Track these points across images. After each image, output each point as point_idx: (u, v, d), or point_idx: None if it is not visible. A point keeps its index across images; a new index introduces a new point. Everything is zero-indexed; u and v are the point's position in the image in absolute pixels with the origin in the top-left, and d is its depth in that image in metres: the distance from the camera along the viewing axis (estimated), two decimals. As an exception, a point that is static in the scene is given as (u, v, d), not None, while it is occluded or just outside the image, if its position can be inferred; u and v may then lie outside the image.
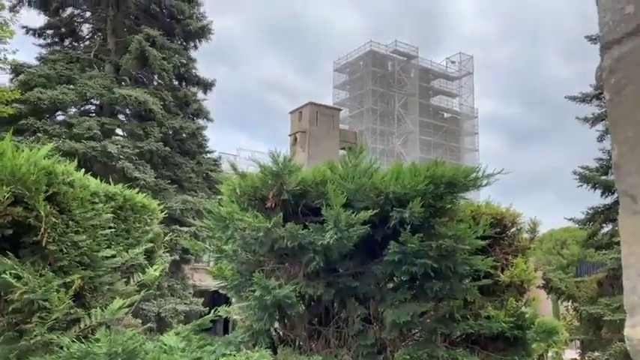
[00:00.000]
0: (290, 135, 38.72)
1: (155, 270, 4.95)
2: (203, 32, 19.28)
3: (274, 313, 3.42)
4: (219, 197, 3.93)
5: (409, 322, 3.86)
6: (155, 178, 16.30)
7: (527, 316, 4.71)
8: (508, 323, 4.21)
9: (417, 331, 4.33)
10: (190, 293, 18.02)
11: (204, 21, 19.33)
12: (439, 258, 3.75)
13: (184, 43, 19.42)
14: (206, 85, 19.58)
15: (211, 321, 4.87)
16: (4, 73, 12.43)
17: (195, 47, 19.72)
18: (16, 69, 15.88)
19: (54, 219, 3.13)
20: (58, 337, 3.23)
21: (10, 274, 2.87)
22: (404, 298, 3.93)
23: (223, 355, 3.93)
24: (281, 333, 3.90)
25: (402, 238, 3.45)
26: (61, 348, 3.21)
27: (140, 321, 5.10)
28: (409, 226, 3.37)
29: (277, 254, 3.29)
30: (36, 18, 18.62)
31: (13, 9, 16.29)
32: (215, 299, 4.18)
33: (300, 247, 3.17)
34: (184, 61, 18.61)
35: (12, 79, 15.94)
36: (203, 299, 17.67)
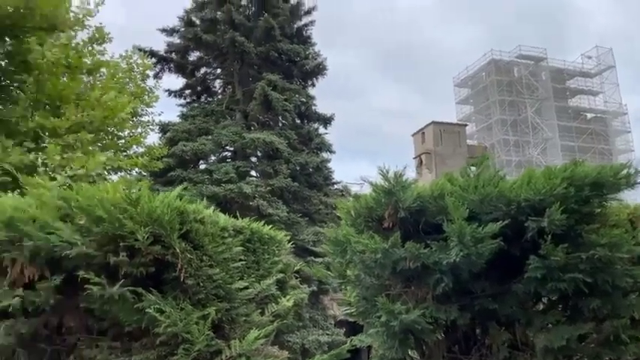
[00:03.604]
0: (414, 157, 38.07)
1: (288, 300, 5.05)
2: (319, 70, 20.11)
3: (406, 340, 3.23)
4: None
5: (565, 348, 3.38)
6: (287, 212, 17.07)
7: None
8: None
9: (576, 358, 3.77)
10: (331, 324, 18.24)
11: (318, 59, 20.20)
12: (593, 271, 3.25)
13: (302, 83, 20.43)
14: (326, 120, 20.25)
15: (354, 351, 4.79)
16: (154, 132, 14.20)
17: (313, 85, 20.64)
18: (163, 128, 18.03)
19: (189, 255, 3.35)
20: (201, 368, 3.37)
21: (154, 308, 3.10)
22: (555, 320, 3.46)
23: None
24: (418, 361, 3.67)
25: (543, 251, 3.06)
26: (205, 378, 3.35)
27: (286, 352, 5.22)
28: (549, 237, 2.98)
29: (402, 277, 3.13)
30: (175, 81, 21.06)
31: (156, 76, 18.70)
32: (356, 329, 4.12)
33: (425, 267, 2.97)
34: (304, 100, 19.53)
35: (160, 137, 18.12)
36: (344, 330, 17.72)
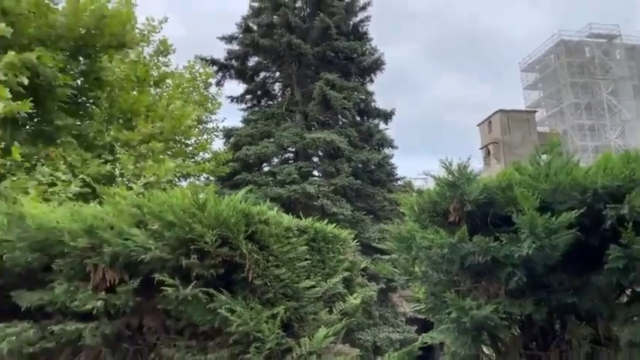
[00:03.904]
0: (481, 148, 36.78)
1: (355, 298, 5.05)
2: (376, 65, 19.94)
3: (478, 336, 3.12)
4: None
5: (655, 343, 3.13)
6: (351, 211, 17.06)
7: None
8: None
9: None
10: (402, 321, 18.04)
11: (375, 55, 20.02)
12: (683, 260, 2.98)
13: (361, 80, 20.33)
14: (386, 115, 20.04)
15: (427, 348, 4.70)
16: (219, 138, 14.70)
17: (372, 81, 20.48)
18: (227, 133, 18.60)
19: (256, 255, 3.43)
20: (273, 365, 3.43)
21: (226, 308, 3.20)
22: (641, 313, 3.21)
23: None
24: (493, 359, 3.54)
25: (624, 240, 2.85)
26: (278, 376, 3.41)
27: (357, 350, 5.22)
28: (631, 224, 2.77)
29: (471, 272, 3.02)
30: (236, 87, 21.69)
31: (218, 84, 19.33)
32: (428, 326, 4.05)
33: (495, 261, 2.85)
34: (363, 97, 19.43)
35: (225, 143, 18.71)
36: (416, 327, 17.46)
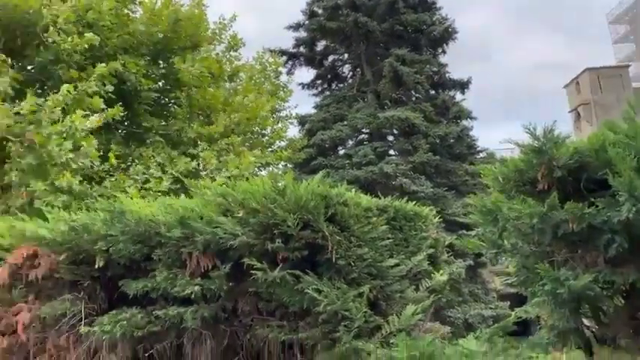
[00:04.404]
0: (570, 111, 34.29)
1: (442, 275, 4.97)
2: (448, 35, 19.19)
3: (577, 308, 2.95)
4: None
5: None
6: (432, 187, 16.70)
7: None
8: None
9: None
10: (494, 297, 17.49)
11: (445, 24, 19.23)
12: None
13: (432, 52, 19.69)
14: (462, 86, 19.29)
15: (524, 325, 4.53)
16: (293, 126, 14.98)
17: (444, 52, 19.77)
18: (301, 120, 18.85)
19: (337, 237, 3.48)
20: (363, 343, 3.49)
21: (313, 289, 3.30)
22: None
23: (529, 357, 3.59)
24: (595, 331, 3.33)
25: None
26: (369, 354, 3.46)
27: (447, 327, 5.16)
28: None
29: (565, 241, 2.85)
30: (306, 74, 21.80)
31: (288, 73, 19.60)
32: (522, 302, 3.90)
33: (591, 228, 2.67)
34: (435, 69, 18.82)
35: (299, 130, 19.01)
36: (509, 303, 16.85)
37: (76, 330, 3.58)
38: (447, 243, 5.64)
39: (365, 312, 3.44)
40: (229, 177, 7.99)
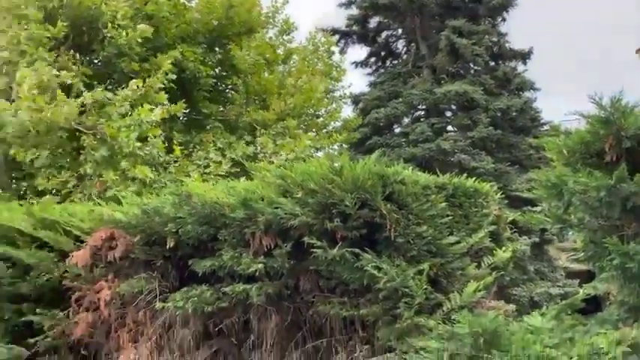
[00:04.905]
0: (644, 76, 31.86)
1: (504, 252, 4.86)
2: (507, 1, 18.28)
3: (651, 283, 2.82)
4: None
5: None
6: (493, 163, 16.19)
7: None
8: None
9: None
10: (561, 275, 16.86)
11: (505, -10, 18.32)
12: None
13: (491, 21, 18.86)
14: (523, 56, 18.40)
15: (594, 303, 4.37)
16: (347, 105, 14.92)
17: (504, 20, 18.91)
18: (355, 99, 18.73)
19: (395, 215, 3.50)
20: (424, 320, 3.52)
21: (372, 266, 3.35)
22: None
23: (598, 334, 3.48)
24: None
25: None
26: (430, 330, 3.49)
27: (512, 306, 5.07)
28: None
29: (635, 214, 2.72)
30: (359, 52, 21.56)
31: (341, 52, 19.44)
32: (593, 278, 3.77)
33: (664, 200, 2.54)
34: (495, 39, 18.05)
35: (354, 109, 18.91)
36: (578, 280, 16.17)
37: (152, 306, 3.84)
38: (510, 219, 5.47)
39: (425, 289, 3.46)
40: (286, 160, 8.16)
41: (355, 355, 3.57)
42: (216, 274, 3.72)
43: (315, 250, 3.37)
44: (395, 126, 19.03)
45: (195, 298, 3.59)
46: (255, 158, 8.48)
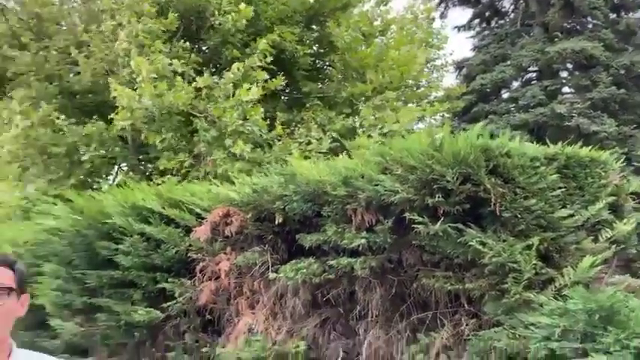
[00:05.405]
0: None
1: (625, 224, 4.48)
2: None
3: None
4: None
5: None
6: (616, 126, 14.70)
7: None
8: None
9: None
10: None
11: None
12: None
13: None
14: (653, 3, 16.24)
15: None
16: (449, 73, 14.34)
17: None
18: (458, 66, 17.94)
19: (500, 189, 3.40)
20: (534, 295, 3.42)
21: (477, 241, 3.31)
22: None
23: None
24: None
25: None
26: (541, 306, 3.39)
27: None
28: None
29: None
30: (461, 15, 20.51)
31: (442, 16, 18.64)
32: None
33: None
34: (616, -13, 16.14)
35: (456, 76, 18.14)
36: None
37: (265, 276, 4.16)
38: (631, 189, 5.01)
39: (535, 264, 3.35)
40: (385, 133, 8.15)
41: (461, 328, 3.58)
42: (322, 248, 3.91)
43: (416, 225, 3.40)
44: (503, 91, 17.97)
45: (304, 270, 3.82)
46: (353, 132, 8.56)
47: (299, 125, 8.82)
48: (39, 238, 5.59)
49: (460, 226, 3.38)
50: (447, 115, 12.25)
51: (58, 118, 8.30)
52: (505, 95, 17.74)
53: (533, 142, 4.10)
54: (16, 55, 8.99)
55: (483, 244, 3.28)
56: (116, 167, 10.16)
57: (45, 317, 5.10)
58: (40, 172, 9.08)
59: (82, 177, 9.09)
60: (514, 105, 16.40)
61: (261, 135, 7.73)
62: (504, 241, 3.37)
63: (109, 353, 5.09)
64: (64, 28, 9.63)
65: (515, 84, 17.81)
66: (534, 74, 17.80)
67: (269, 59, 8.19)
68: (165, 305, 4.43)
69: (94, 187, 9.10)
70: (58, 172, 8.92)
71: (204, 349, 4.33)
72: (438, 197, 3.37)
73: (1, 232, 6.83)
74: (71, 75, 9.45)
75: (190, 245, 4.51)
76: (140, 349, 4.86)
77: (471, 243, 3.29)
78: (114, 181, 9.99)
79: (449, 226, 3.36)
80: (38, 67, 9.05)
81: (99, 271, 4.83)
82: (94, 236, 4.93)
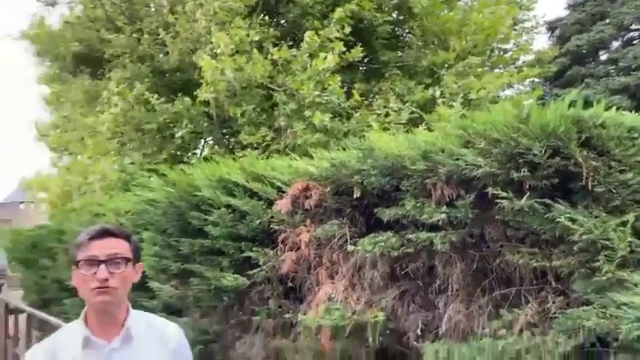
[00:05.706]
0: None
1: None
2: None
3: None
4: None
5: None
6: None
7: None
8: None
9: None
10: None
11: None
12: None
13: None
14: None
15: None
16: (540, 35, 13.35)
17: None
18: (550, 26, 16.66)
19: (593, 162, 3.19)
20: (628, 274, 3.23)
21: (566, 217, 3.15)
22: None
23: None
24: None
25: None
26: (635, 285, 3.20)
27: None
28: None
29: None
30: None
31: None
32: None
33: None
34: None
35: (549, 38, 16.89)
36: None
37: (344, 249, 4.25)
38: None
39: (630, 241, 3.14)
40: (469, 101, 7.84)
41: (547, 305, 3.46)
42: (400, 222, 3.91)
43: (500, 200, 3.30)
44: (601, 52, 16.54)
45: (382, 243, 3.86)
46: (433, 102, 8.33)
47: (377, 96, 8.73)
48: (137, 209, 6.09)
49: (548, 201, 3.23)
50: (537, 81, 11.50)
51: (151, 97, 8.88)
52: (603, 57, 16.30)
53: (633, 108, 3.78)
54: (112, 37, 9.67)
55: (573, 220, 3.12)
56: (202, 141, 10.72)
57: (145, 280, 5.59)
58: (136, 147, 9.82)
59: (172, 151, 9.71)
60: (614, 67, 15.04)
61: (339, 104, 7.76)
62: (596, 217, 3.18)
63: (200, 314, 5.50)
64: (153, 10, 10.16)
65: (615, 44, 16.28)
66: (637, 33, 16.14)
67: (347, 30, 8.12)
68: (250, 272, 4.68)
69: (184, 160, 9.70)
70: (151, 147, 9.60)
71: (286, 315, 4.55)
72: (524, 171, 3.24)
73: (105, 203, 7.51)
74: (161, 55, 10.01)
75: (272, 217, 4.69)
76: (228, 312, 5.20)
77: (559, 219, 3.14)
78: (201, 154, 10.57)
79: (535, 201, 3.22)
80: (132, 48, 9.68)
81: (190, 239, 5.19)
82: (185, 207, 5.29)
